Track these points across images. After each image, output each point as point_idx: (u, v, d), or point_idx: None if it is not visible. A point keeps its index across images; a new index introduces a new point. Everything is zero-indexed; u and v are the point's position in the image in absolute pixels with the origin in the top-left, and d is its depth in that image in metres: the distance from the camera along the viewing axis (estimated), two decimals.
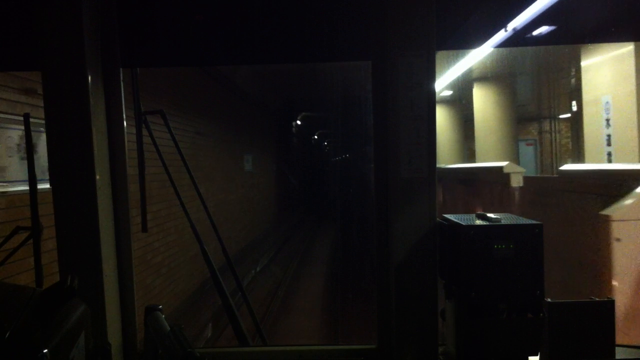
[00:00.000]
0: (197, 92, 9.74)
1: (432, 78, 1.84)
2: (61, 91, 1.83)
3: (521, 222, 1.71)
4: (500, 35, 2.10)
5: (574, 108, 16.51)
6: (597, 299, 1.77)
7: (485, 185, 8.19)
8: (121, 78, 1.99)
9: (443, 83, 13.23)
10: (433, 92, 1.85)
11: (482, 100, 12.86)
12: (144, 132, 2.30)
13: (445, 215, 1.87)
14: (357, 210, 16.58)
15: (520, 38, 2.15)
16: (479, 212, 1.83)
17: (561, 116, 19.98)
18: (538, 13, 2.19)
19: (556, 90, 16.47)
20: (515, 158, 12.62)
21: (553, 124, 20.43)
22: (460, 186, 8.98)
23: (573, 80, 14.30)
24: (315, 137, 31.01)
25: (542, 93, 16.92)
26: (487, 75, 12.49)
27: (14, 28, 1.98)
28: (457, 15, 2.02)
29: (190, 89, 9.21)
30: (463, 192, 8.86)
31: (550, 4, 2.29)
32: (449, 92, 15.32)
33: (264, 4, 2.05)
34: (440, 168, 10.48)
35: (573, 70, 12.35)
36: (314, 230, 18.57)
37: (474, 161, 16.89)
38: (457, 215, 1.85)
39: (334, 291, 10.06)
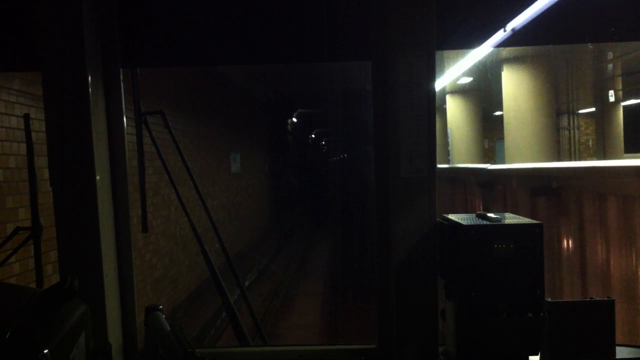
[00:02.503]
0: (168, 79, 8.16)
1: (432, 78, 1.84)
2: (61, 91, 1.83)
3: (521, 222, 1.71)
4: (501, 35, 2.10)
5: (612, 98, 15.07)
6: (597, 299, 1.77)
7: (585, 197, 4.74)
8: (121, 78, 1.99)
9: (461, 69, 11.18)
10: (433, 92, 1.85)
11: (515, 85, 10.53)
12: (144, 132, 2.30)
13: (446, 215, 1.87)
14: (357, 213, 16.35)
15: (520, 37, 2.15)
16: (479, 212, 1.84)
17: (581, 111, 19.10)
18: (538, 12, 2.18)
19: (582, 80, 15.13)
20: (555, 158, 10.78)
21: (572, 120, 19.24)
22: (530, 197, 5.93)
23: (610, 66, 13.04)
24: (313, 135, 30.90)
25: (568, 83, 15.16)
26: (526, 54, 10.16)
27: (14, 28, 1.98)
28: (457, 15, 2.02)
29: (159, 75, 7.63)
30: (528, 204, 5.88)
31: (550, 3, 2.29)
32: (467, 80, 13.17)
33: (264, 4, 2.05)
34: (494, 170, 7.50)
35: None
36: (311, 236, 17.54)
37: (486, 161, 16.20)
38: (457, 214, 1.85)
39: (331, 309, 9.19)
